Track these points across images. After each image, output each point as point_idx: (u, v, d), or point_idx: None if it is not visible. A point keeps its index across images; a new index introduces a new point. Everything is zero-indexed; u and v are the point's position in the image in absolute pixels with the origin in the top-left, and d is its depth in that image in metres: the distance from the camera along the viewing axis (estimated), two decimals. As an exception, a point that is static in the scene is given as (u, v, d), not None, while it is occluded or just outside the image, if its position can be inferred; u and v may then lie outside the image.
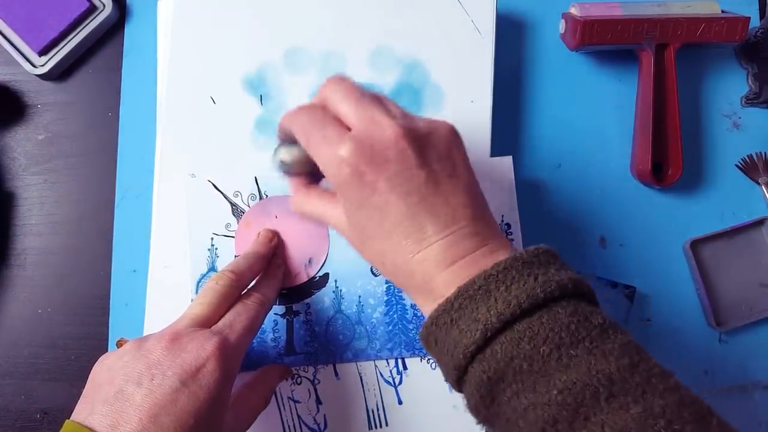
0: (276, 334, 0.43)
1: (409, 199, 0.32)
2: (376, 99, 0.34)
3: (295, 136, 0.35)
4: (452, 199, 0.32)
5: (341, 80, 0.35)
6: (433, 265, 0.32)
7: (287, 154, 0.36)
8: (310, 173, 0.37)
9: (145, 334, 0.43)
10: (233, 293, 0.38)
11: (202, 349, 0.33)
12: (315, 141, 0.34)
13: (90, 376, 0.34)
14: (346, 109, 0.33)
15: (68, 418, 0.31)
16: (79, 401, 0.33)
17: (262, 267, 0.41)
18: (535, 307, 0.29)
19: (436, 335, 0.31)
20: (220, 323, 0.36)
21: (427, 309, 0.32)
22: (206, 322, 0.36)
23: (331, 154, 0.32)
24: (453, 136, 0.34)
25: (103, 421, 0.30)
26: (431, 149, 0.33)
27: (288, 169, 0.37)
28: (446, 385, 0.43)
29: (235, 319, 0.36)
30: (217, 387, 0.33)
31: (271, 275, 0.41)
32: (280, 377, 0.42)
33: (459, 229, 0.32)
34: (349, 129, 0.33)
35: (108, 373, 0.33)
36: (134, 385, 0.31)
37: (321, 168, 0.34)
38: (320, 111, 0.34)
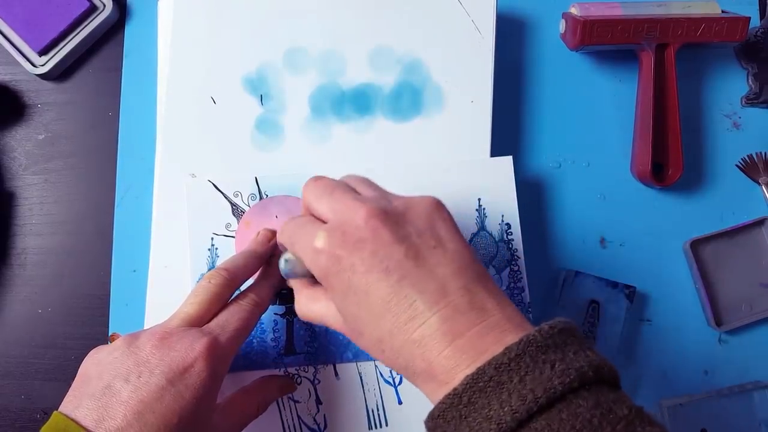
0: (276, 334, 0.43)
1: (390, 277, 0.30)
2: (346, 188, 0.34)
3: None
4: (439, 270, 0.30)
5: (315, 180, 0.35)
6: (433, 345, 0.29)
7: (288, 254, 0.37)
8: (312, 276, 0.36)
9: (145, 334, 0.43)
10: (226, 292, 0.38)
11: (191, 349, 0.33)
12: (297, 243, 0.34)
13: (80, 368, 0.34)
14: (320, 206, 0.34)
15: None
16: (67, 393, 0.33)
17: (258, 266, 0.41)
18: (553, 401, 0.26)
19: (444, 428, 0.29)
20: (212, 323, 0.36)
21: (434, 397, 0.30)
22: (198, 321, 0.36)
23: (309, 248, 0.32)
24: (434, 208, 0.33)
25: (89, 415, 0.31)
26: (408, 225, 0.32)
27: (290, 270, 0.37)
28: (446, 385, 0.43)
29: (228, 319, 0.36)
30: (203, 387, 0.33)
31: (269, 276, 0.41)
32: (279, 390, 0.42)
33: (452, 301, 0.30)
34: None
35: (97, 368, 0.33)
36: (122, 381, 0.32)
37: (306, 265, 0.34)
38: (302, 218, 0.35)
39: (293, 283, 0.38)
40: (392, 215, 0.32)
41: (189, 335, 0.34)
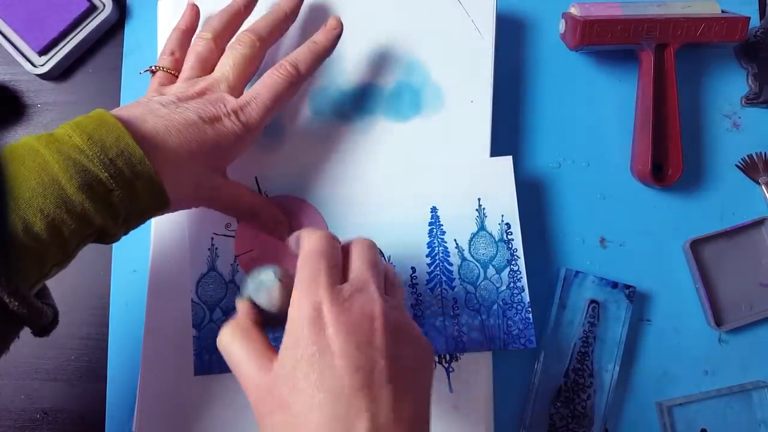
0: (276, 334, 0.43)
1: (356, 377, 0.29)
2: (380, 274, 0.34)
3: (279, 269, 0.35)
4: (400, 406, 0.30)
5: (368, 242, 0.36)
6: None
7: (269, 277, 0.34)
8: (268, 319, 0.35)
9: (144, 334, 0.43)
10: (255, 54, 0.41)
11: (222, 105, 0.38)
12: (309, 270, 0.32)
13: None
14: (355, 264, 0.34)
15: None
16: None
17: (285, 25, 0.44)
18: None
19: None
20: (246, 94, 0.39)
21: None
22: (233, 86, 0.40)
23: (307, 291, 0.31)
24: (430, 359, 0.33)
25: (128, 113, 0.35)
26: (404, 348, 0.31)
27: (260, 296, 0.34)
28: (446, 385, 0.43)
29: (259, 91, 0.39)
30: (225, 138, 0.37)
31: (313, 43, 0.42)
32: (273, 220, 0.42)
33: None
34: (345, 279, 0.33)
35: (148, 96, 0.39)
36: (162, 105, 0.37)
37: (293, 295, 0.32)
38: (333, 248, 0.33)
39: (243, 305, 0.35)
40: (399, 328, 0.32)
41: (225, 95, 0.39)
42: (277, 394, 0.30)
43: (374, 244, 0.36)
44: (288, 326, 0.31)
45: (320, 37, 0.42)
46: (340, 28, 0.43)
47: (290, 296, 0.32)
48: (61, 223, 0.31)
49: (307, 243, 0.33)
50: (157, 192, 0.34)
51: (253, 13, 0.45)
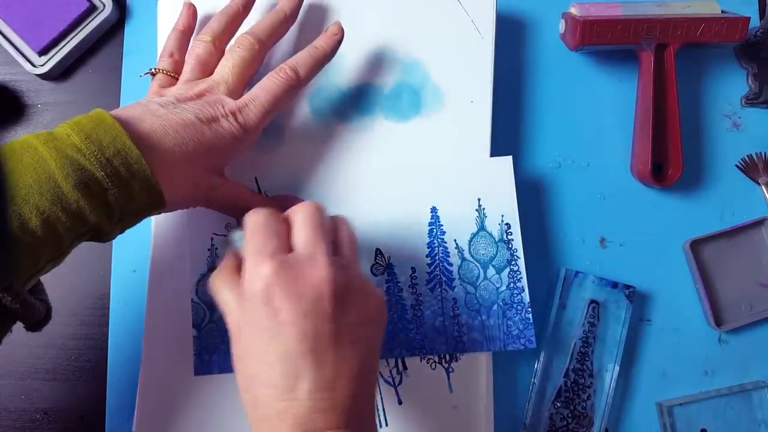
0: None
1: (302, 343, 0.31)
2: (327, 236, 0.35)
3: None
4: (342, 365, 0.32)
5: (311, 206, 0.36)
6: (289, 425, 0.31)
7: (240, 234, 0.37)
8: None
9: (144, 334, 0.43)
10: (255, 56, 0.41)
11: (221, 106, 0.38)
12: (252, 245, 0.34)
13: None
14: (299, 233, 0.34)
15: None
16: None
17: (285, 27, 0.43)
18: None
19: None
20: (245, 96, 0.39)
21: None
22: (233, 88, 0.40)
23: (255, 265, 0.33)
24: (380, 310, 0.35)
25: (125, 113, 0.35)
26: (350, 308, 0.33)
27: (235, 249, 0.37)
28: (446, 385, 0.43)
29: (257, 94, 0.39)
30: (223, 139, 0.37)
31: (313, 48, 0.42)
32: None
33: (332, 398, 0.31)
34: (291, 249, 0.34)
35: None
36: (161, 106, 0.36)
37: (244, 272, 0.34)
38: (276, 223, 0.35)
39: (227, 253, 0.38)
40: (345, 291, 0.33)
41: (224, 97, 0.39)
42: (240, 347, 0.33)
43: (318, 206, 0.36)
44: (244, 295, 0.33)
45: (321, 42, 0.42)
46: (341, 33, 0.43)
47: None
48: (56, 221, 0.31)
49: (249, 221, 0.35)
50: (153, 191, 0.34)
51: (252, 13, 0.45)
